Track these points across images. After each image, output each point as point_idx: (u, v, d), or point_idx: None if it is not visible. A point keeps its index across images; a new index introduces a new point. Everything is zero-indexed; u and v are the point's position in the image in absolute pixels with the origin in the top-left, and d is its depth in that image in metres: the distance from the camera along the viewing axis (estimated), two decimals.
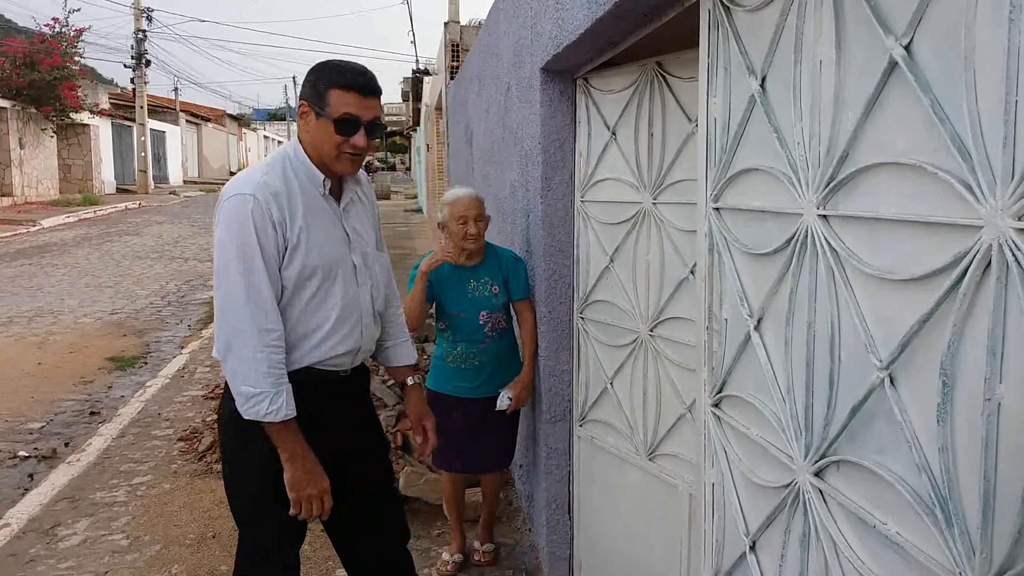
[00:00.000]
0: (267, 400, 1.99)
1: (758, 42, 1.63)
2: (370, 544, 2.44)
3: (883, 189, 1.26)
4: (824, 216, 1.40)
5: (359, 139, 2.10)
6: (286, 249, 2.07)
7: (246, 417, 2.01)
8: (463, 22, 9.79)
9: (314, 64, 2.16)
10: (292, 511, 2.11)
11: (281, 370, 2.04)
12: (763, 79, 1.62)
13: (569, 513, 3.33)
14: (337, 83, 2.07)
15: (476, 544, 3.56)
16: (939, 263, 1.12)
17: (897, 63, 1.19)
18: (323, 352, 2.16)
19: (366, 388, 2.47)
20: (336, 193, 2.22)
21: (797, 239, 1.49)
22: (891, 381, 1.25)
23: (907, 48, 1.17)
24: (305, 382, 2.12)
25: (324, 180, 2.15)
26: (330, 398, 2.22)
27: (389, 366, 2.53)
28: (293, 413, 2.04)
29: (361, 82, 2.09)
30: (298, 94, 2.21)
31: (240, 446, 2.18)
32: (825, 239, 1.40)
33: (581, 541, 3.26)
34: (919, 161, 1.15)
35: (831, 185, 1.37)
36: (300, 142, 2.16)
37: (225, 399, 2.18)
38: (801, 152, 1.47)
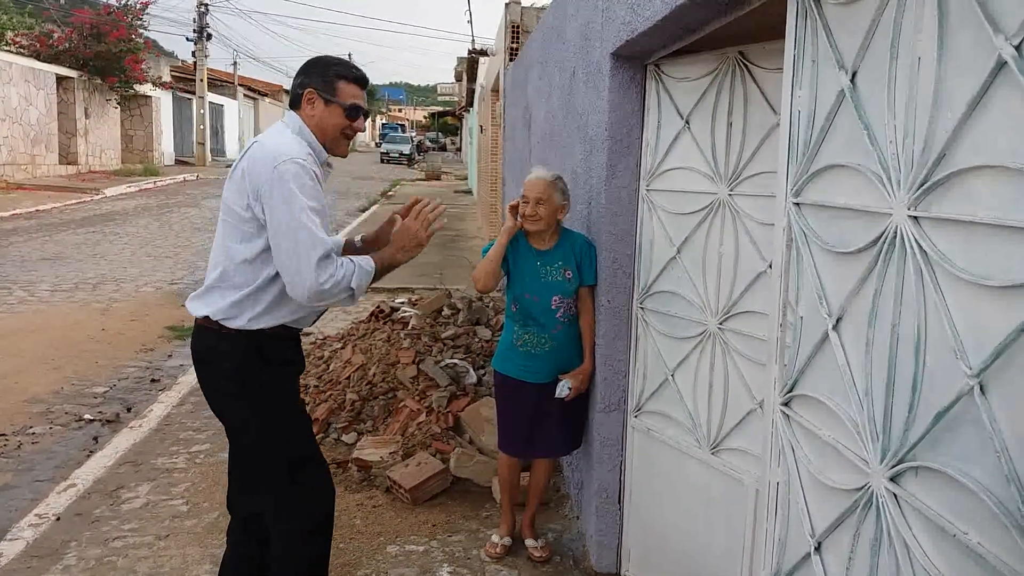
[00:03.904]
0: (352, 276, 2.32)
1: (850, 35, 1.59)
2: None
3: (982, 192, 1.23)
4: (915, 217, 1.37)
5: (360, 123, 2.50)
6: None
7: (359, 295, 2.37)
8: (524, 3, 9.74)
9: (313, 58, 2.52)
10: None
11: (339, 270, 2.31)
12: (854, 73, 1.58)
13: (619, 503, 3.32)
14: (344, 76, 2.45)
15: (529, 541, 3.51)
16: None
17: (1006, 63, 1.15)
18: (302, 312, 2.45)
19: None
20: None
21: (885, 239, 1.45)
22: (981, 389, 1.22)
23: (1018, 48, 1.13)
24: (284, 337, 2.46)
25: (326, 160, 2.48)
26: (298, 350, 2.57)
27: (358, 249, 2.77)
28: (368, 265, 2.39)
29: (362, 77, 2.50)
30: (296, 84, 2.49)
31: (267, 375, 2.43)
32: (915, 240, 1.37)
33: (631, 531, 3.26)
34: None
35: (925, 186, 1.34)
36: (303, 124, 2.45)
37: (230, 340, 2.39)
38: (893, 151, 1.43)
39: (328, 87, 2.42)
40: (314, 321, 2.61)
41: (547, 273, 3.22)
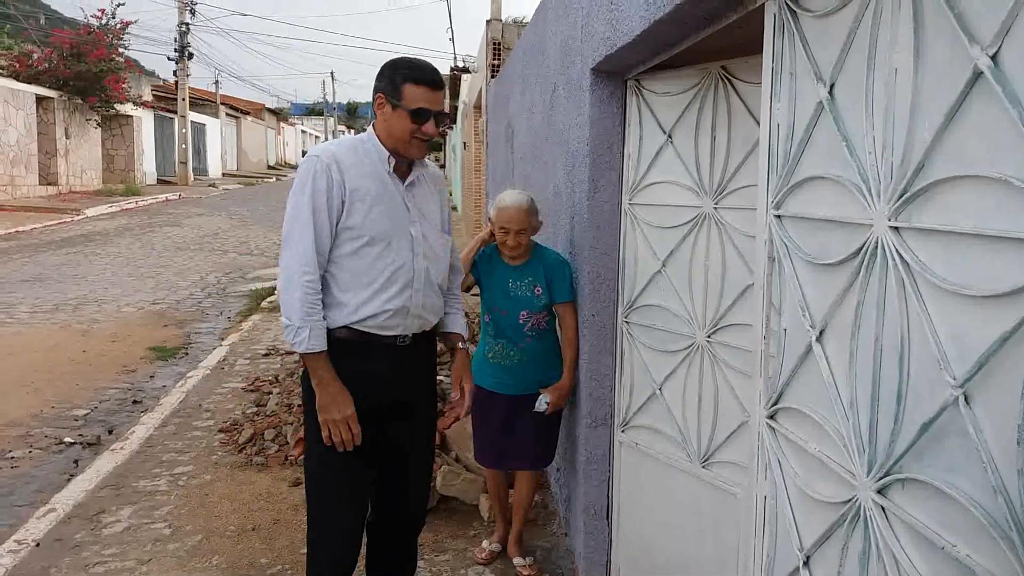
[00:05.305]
0: (293, 332, 2.32)
1: (827, 48, 1.60)
2: (388, 518, 2.73)
3: (961, 202, 1.22)
4: (896, 228, 1.37)
5: (429, 127, 2.44)
6: (342, 206, 2.38)
7: (287, 343, 2.39)
8: (505, 21, 9.78)
9: (388, 61, 2.50)
10: (323, 435, 2.39)
11: (312, 309, 2.32)
12: (832, 85, 1.58)
13: (607, 518, 3.30)
14: (411, 78, 2.42)
15: (516, 560, 3.48)
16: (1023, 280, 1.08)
17: (982, 73, 1.15)
18: (369, 310, 2.41)
19: (430, 360, 2.72)
20: (403, 174, 2.52)
21: (866, 250, 1.45)
22: (966, 399, 1.21)
23: (993, 58, 1.14)
24: (354, 341, 2.41)
25: (389, 157, 2.46)
26: (383, 360, 2.46)
27: (442, 331, 2.77)
28: (317, 348, 2.33)
29: (431, 78, 2.44)
30: (375, 88, 2.49)
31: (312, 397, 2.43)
32: (896, 251, 1.36)
33: (620, 547, 3.24)
34: (1004, 175, 1.12)
35: (904, 196, 1.34)
36: (374, 129, 2.50)
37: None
38: (872, 162, 1.44)
39: (395, 91, 2.42)
40: (403, 326, 2.49)
41: (516, 288, 3.24)
